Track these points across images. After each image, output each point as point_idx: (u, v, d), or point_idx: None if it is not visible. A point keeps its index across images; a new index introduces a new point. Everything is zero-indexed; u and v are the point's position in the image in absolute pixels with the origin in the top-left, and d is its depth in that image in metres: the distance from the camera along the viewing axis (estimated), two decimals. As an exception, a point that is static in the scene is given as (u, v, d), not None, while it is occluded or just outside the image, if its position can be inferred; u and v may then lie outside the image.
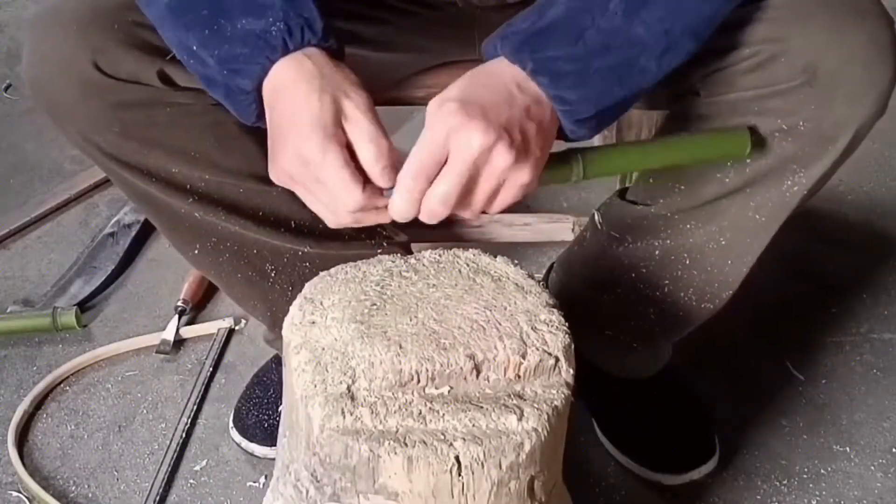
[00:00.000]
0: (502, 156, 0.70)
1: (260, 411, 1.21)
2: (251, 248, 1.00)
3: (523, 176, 0.72)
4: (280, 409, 1.20)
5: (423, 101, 1.16)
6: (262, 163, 0.94)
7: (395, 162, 0.74)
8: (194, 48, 0.77)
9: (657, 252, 1.01)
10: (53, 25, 0.86)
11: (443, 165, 0.71)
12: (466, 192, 0.72)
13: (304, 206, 1.00)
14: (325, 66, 0.76)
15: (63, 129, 0.91)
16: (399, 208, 0.73)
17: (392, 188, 0.73)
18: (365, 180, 0.74)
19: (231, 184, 0.95)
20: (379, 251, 0.98)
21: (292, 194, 0.99)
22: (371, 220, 0.76)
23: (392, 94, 1.18)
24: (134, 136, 0.89)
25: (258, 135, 0.95)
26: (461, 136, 0.69)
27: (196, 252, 1.01)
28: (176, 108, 0.88)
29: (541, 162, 0.74)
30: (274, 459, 1.18)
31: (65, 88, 0.86)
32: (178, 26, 0.78)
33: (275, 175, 0.79)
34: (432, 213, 0.72)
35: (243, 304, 1.13)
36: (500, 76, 0.74)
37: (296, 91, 0.74)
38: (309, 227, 1.01)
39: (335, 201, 0.75)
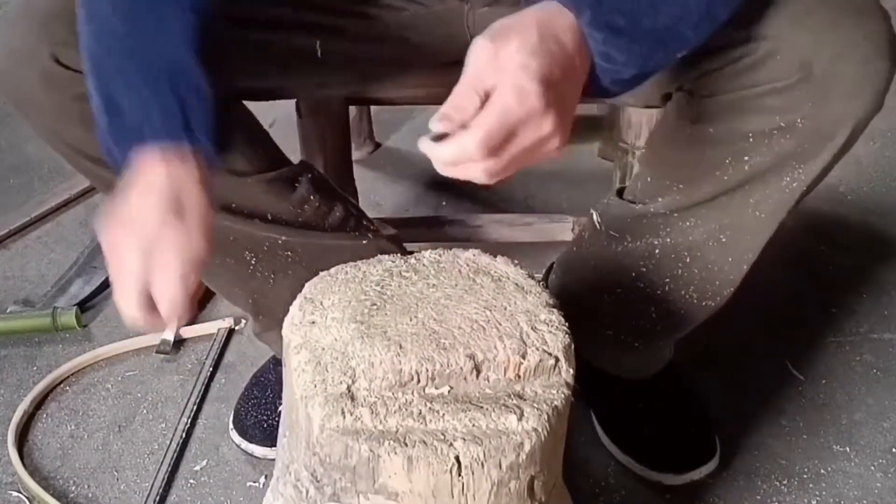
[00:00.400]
0: (555, 144, 0.69)
1: (259, 412, 1.21)
2: (226, 236, 0.99)
3: (555, 145, 0.70)
4: (279, 409, 1.20)
5: (423, 102, 1.16)
6: (232, 153, 0.93)
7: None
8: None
9: (657, 251, 1.01)
10: (19, 19, 0.87)
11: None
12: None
13: (280, 199, 0.99)
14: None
15: (29, 121, 0.92)
16: (445, 161, 0.69)
17: (438, 134, 0.69)
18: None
19: None
20: (363, 242, 0.97)
21: (267, 187, 0.98)
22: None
23: (392, 95, 1.18)
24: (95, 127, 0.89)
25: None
26: (535, 125, 0.68)
27: None
28: None
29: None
30: (274, 460, 1.17)
31: (26, 80, 0.87)
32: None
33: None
34: (465, 175, 0.70)
35: (226, 294, 1.13)
36: (560, 30, 0.70)
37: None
38: (287, 221, 1.00)
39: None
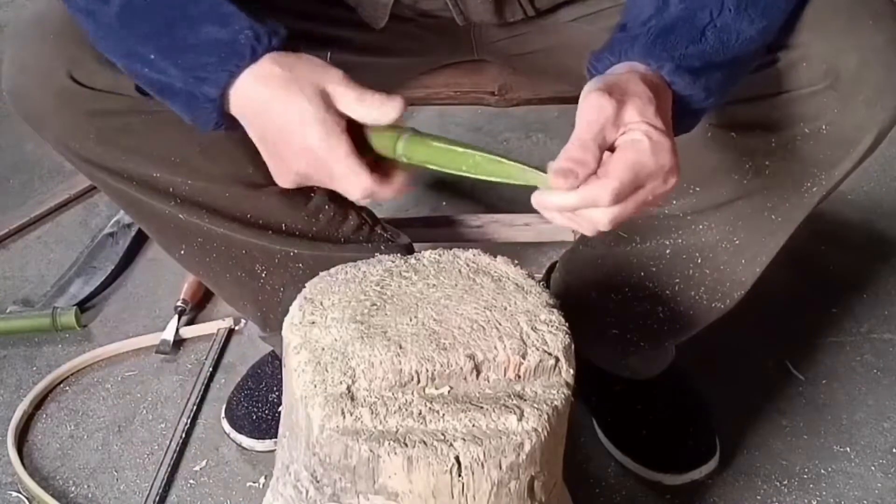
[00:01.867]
0: (671, 189, 0.71)
1: (250, 403, 1.22)
2: (239, 249, 1.00)
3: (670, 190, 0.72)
4: (270, 401, 1.20)
5: (423, 102, 1.16)
6: (250, 167, 0.93)
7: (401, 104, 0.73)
8: (152, 57, 0.75)
9: (668, 251, 1.00)
10: (33, 36, 0.86)
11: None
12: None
13: (295, 209, 0.99)
14: (293, 63, 0.74)
15: (42, 136, 0.91)
16: (570, 206, 0.70)
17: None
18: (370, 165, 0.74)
19: (217, 188, 0.94)
20: (377, 254, 0.98)
21: (283, 198, 0.98)
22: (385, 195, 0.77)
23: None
24: (111, 142, 0.89)
25: (244, 139, 0.94)
26: (663, 178, 0.69)
27: (182, 252, 1.01)
28: (152, 116, 0.87)
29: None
30: (261, 452, 1.19)
31: (41, 97, 0.86)
32: (130, 36, 0.76)
33: (287, 180, 0.78)
34: (584, 223, 0.71)
35: (233, 304, 1.13)
36: (649, 85, 0.71)
37: (276, 97, 0.73)
38: (301, 231, 1.00)
39: (348, 190, 0.75)
